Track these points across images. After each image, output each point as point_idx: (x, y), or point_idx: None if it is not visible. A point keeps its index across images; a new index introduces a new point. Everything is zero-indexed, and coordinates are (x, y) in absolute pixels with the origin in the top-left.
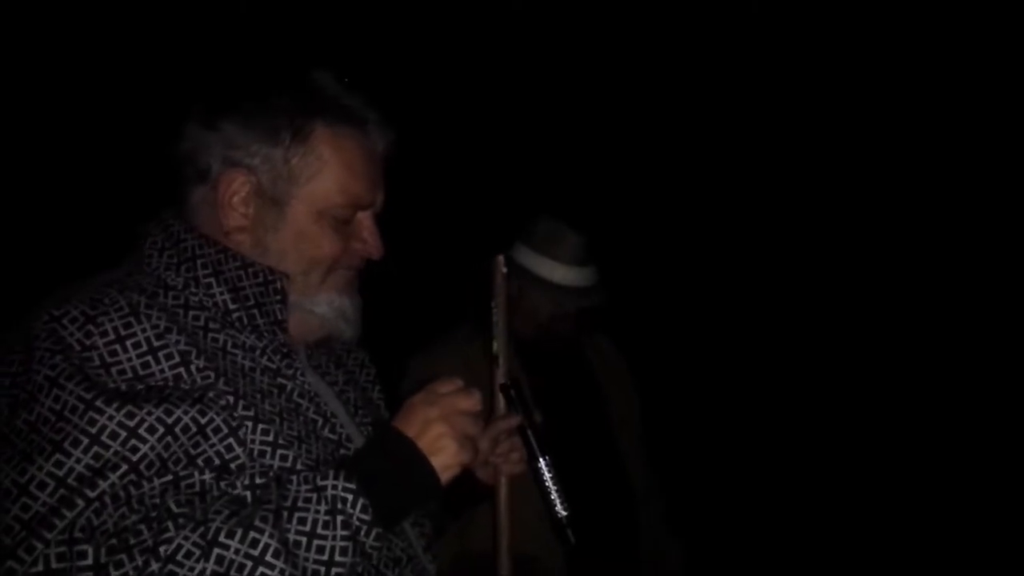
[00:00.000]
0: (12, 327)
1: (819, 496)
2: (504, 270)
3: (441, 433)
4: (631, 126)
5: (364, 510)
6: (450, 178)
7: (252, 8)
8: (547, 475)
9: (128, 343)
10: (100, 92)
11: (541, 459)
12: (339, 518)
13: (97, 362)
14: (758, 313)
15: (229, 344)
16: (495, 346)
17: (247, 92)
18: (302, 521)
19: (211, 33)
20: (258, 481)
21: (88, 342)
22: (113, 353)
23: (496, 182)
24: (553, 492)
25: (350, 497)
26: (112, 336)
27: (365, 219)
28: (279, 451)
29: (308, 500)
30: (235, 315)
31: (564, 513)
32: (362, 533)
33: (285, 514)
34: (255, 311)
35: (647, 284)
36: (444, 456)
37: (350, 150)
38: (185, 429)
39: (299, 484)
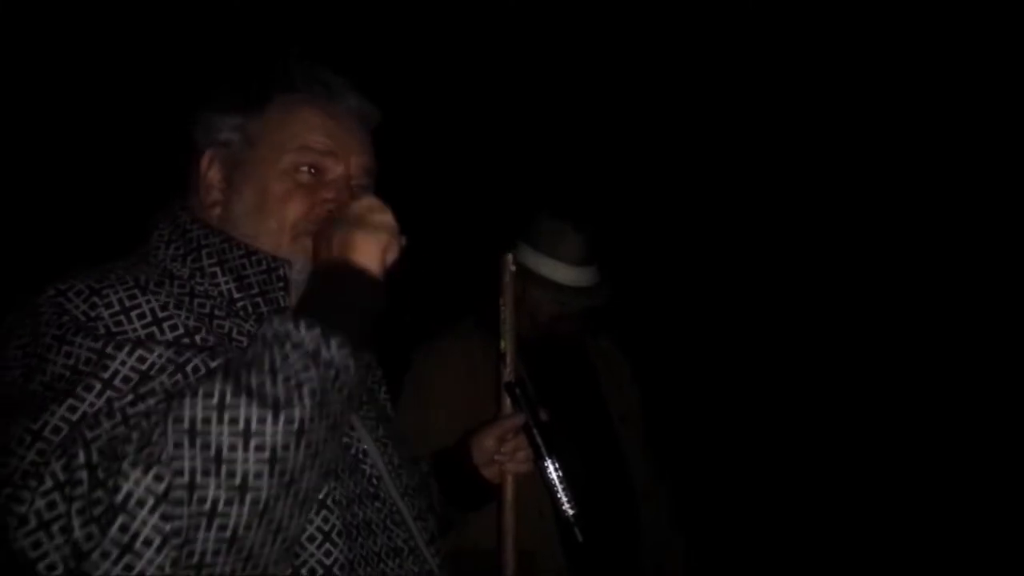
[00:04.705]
0: (15, 307)
1: (822, 493)
2: (513, 268)
3: (344, 234)
4: (634, 124)
5: (310, 327)
6: (454, 174)
7: (252, 9)
8: (553, 474)
9: (133, 314)
10: (97, 91)
11: (547, 458)
12: (287, 344)
13: (102, 331)
14: (761, 312)
15: (234, 331)
16: (503, 344)
17: (221, 82)
18: (259, 367)
19: (213, 35)
20: None
21: (93, 313)
22: (119, 323)
23: (500, 178)
24: (560, 491)
25: (289, 325)
26: (117, 307)
27: (335, 178)
28: None
29: (260, 352)
30: (240, 304)
31: (571, 512)
32: (322, 349)
33: (243, 371)
34: (259, 299)
35: (650, 283)
36: (360, 251)
37: (307, 112)
38: (195, 370)
39: (250, 345)
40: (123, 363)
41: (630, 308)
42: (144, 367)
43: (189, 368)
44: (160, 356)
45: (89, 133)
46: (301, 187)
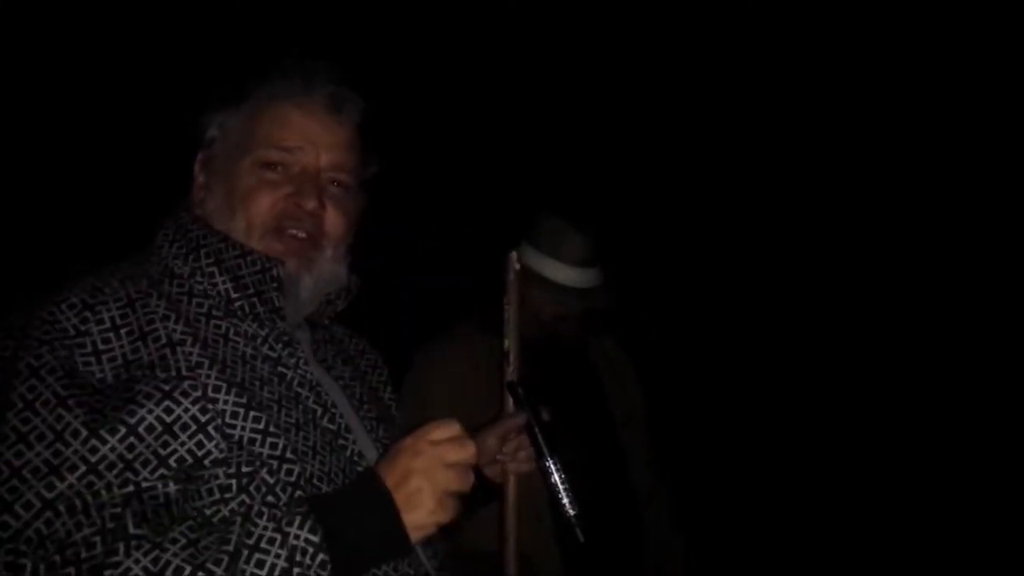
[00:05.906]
0: (17, 310)
1: (822, 493)
2: (517, 267)
3: (420, 488)
4: (637, 124)
5: (323, 565)
6: (457, 174)
7: (251, 7)
8: (555, 474)
9: (123, 331)
10: (98, 91)
11: (549, 458)
12: (296, 570)
13: (89, 348)
14: (764, 313)
15: (231, 332)
16: (506, 343)
17: (217, 85)
18: (260, 564)
19: (216, 36)
20: (244, 470)
21: (83, 328)
22: (107, 340)
23: (503, 179)
24: (561, 491)
25: (311, 550)
26: (108, 324)
27: (299, 171)
28: (269, 439)
29: (271, 542)
30: (237, 303)
31: (572, 512)
32: None
33: (245, 553)
34: (255, 299)
35: (654, 284)
36: (418, 514)
37: (277, 107)
38: (150, 429)
39: (266, 523)
40: (76, 416)
41: (633, 309)
42: (95, 425)
43: (143, 429)
44: (111, 419)
45: (103, 134)
46: (265, 183)
